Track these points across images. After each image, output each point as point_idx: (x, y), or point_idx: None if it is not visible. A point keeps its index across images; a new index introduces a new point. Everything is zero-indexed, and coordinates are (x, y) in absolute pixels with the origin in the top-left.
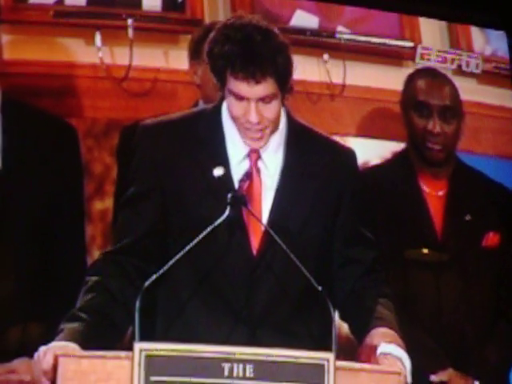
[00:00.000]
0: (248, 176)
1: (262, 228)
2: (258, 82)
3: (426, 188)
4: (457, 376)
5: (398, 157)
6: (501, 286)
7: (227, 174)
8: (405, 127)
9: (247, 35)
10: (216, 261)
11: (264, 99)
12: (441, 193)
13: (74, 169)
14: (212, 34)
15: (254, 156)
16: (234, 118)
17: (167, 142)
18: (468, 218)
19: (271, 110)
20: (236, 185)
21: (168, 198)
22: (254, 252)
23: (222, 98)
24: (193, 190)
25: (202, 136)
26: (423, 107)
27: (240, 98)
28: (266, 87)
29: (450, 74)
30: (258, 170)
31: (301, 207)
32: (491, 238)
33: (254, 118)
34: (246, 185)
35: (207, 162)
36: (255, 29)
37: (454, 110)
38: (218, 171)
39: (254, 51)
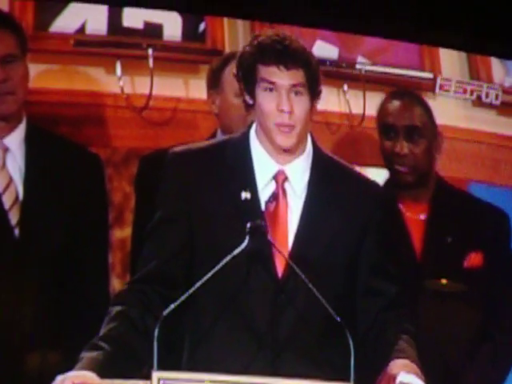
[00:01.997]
0: (274, 198)
1: (288, 252)
2: (288, 68)
3: (406, 212)
4: None
5: (383, 184)
6: (487, 308)
7: (254, 196)
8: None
9: (279, 34)
10: (240, 286)
11: (295, 87)
12: (422, 216)
13: (98, 197)
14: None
15: (281, 177)
16: (266, 115)
17: (195, 169)
18: (449, 240)
19: (301, 104)
20: (263, 207)
21: (195, 223)
22: (279, 277)
23: (250, 125)
24: (219, 215)
25: (230, 162)
26: (390, 129)
27: (271, 86)
28: (296, 75)
29: (469, 105)
30: (285, 192)
31: (326, 233)
32: (473, 259)
33: (285, 105)
34: (272, 206)
35: (234, 187)
36: (285, 33)
37: (422, 130)
38: (244, 194)
39: (285, 44)
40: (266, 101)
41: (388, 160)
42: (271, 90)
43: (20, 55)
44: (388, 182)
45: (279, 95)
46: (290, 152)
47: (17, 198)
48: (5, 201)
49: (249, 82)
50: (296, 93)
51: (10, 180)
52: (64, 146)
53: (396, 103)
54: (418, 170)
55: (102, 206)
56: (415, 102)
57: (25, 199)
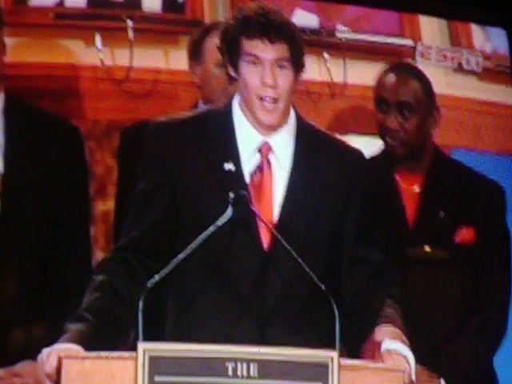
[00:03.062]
0: (259, 169)
1: (273, 223)
2: (272, 42)
3: (402, 184)
4: (422, 372)
5: (380, 153)
6: (476, 283)
7: (237, 168)
8: None
9: (263, 7)
10: (226, 256)
11: (279, 61)
12: (416, 189)
13: (79, 169)
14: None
15: (265, 149)
16: (249, 88)
17: (178, 140)
18: (442, 214)
19: (285, 77)
20: (247, 178)
21: (178, 193)
22: (265, 247)
23: (233, 96)
24: (203, 186)
25: (212, 133)
26: (383, 103)
27: (255, 59)
28: (280, 48)
29: (450, 72)
30: (269, 163)
31: (311, 203)
32: (464, 234)
33: (269, 78)
34: (257, 178)
35: (217, 158)
36: (269, 6)
37: (415, 106)
38: (228, 165)
39: (269, 17)
40: (250, 74)
41: (380, 132)
42: (255, 63)
43: None
44: (383, 151)
45: (263, 69)
46: (275, 126)
47: None
48: None
49: (232, 55)
50: (280, 66)
51: None
52: (43, 118)
53: (392, 77)
54: (408, 145)
55: (83, 178)
56: (413, 76)
57: (5, 172)
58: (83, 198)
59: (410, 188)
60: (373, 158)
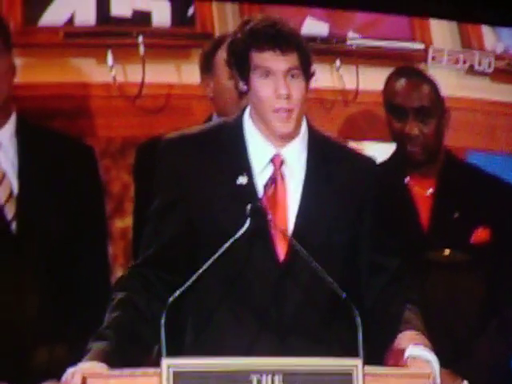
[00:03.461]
0: (273, 181)
1: (289, 235)
2: (283, 53)
3: (414, 187)
4: (446, 374)
5: (390, 158)
6: (495, 283)
7: (250, 181)
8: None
9: (269, 18)
10: (243, 270)
11: (291, 71)
12: (429, 192)
13: (93, 188)
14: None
15: (278, 161)
16: (262, 101)
17: (190, 154)
18: (456, 215)
19: (298, 87)
20: (261, 191)
21: (193, 208)
22: (281, 260)
23: (244, 108)
24: (218, 200)
25: (225, 146)
26: (399, 110)
27: (267, 72)
28: (291, 58)
29: (462, 74)
30: (283, 175)
31: (326, 214)
32: (480, 234)
33: (283, 89)
34: (270, 190)
35: (230, 171)
36: (275, 17)
37: (431, 109)
38: (241, 179)
39: (277, 28)
40: (263, 87)
41: (399, 141)
42: (267, 75)
43: (3, 49)
44: (394, 156)
45: (276, 80)
46: (288, 137)
47: (11, 192)
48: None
49: (242, 68)
50: (292, 76)
51: (4, 175)
52: (56, 138)
53: (403, 82)
54: (428, 149)
55: (97, 197)
56: (422, 80)
57: (20, 193)
58: (99, 217)
59: (423, 192)
60: (384, 163)
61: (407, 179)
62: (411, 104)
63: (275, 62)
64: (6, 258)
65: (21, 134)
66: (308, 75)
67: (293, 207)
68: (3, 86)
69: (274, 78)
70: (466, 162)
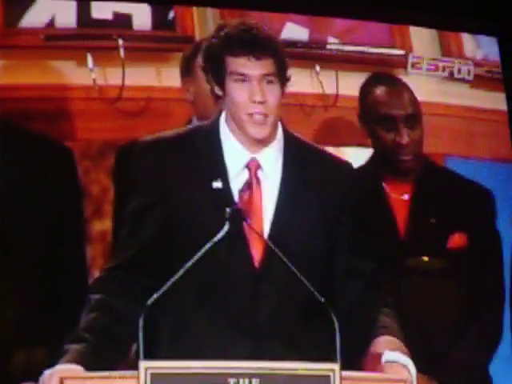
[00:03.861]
0: (248, 186)
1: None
2: (258, 58)
3: (391, 193)
4: (422, 380)
5: (367, 163)
6: (472, 289)
7: (226, 185)
8: (369, 138)
9: (244, 23)
10: (218, 274)
11: (266, 77)
12: (406, 196)
13: (71, 190)
14: (205, 39)
15: (254, 166)
16: (238, 106)
17: (167, 158)
18: (433, 220)
19: (274, 93)
20: (236, 196)
21: (169, 211)
22: (256, 264)
23: (220, 112)
24: (194, 203)
25: (200, 150)
26: (387, 120)
27: (242, 77)
28: (266, 64)
29: (442, 80)
30: (258, 180)
31: (302, 218)
32: (457, 240)
33: (258, 95)
34: (246, 195)
35: (206, 175)
36: (250, 22)
37: (417, 115)
38: (216, 183)
39: (253, 33)
40: (238, 92)
41: (390, 151)
42: (243, 81)
43: None
44: (371, 161)
45: (251, 86)
46: (263, 142)
47: None
48: None
49: (218, 73)
50: (268, 82)
51: None
52: (35, 140)
53: (384, 91)
54: (418, 155)
55: (76, 198)
56: (401, 87)
57: (0, 195)
58: (77, 219)
59: (400, 196)
60: (361, 168)
61: (384, 184)
62: (399, 112)
63: (250, 67)
64: None
65: (1, 135)
66: (284, 80)
67: (269, 212)
68: None
69: (249, 84)
70: (442, 167)
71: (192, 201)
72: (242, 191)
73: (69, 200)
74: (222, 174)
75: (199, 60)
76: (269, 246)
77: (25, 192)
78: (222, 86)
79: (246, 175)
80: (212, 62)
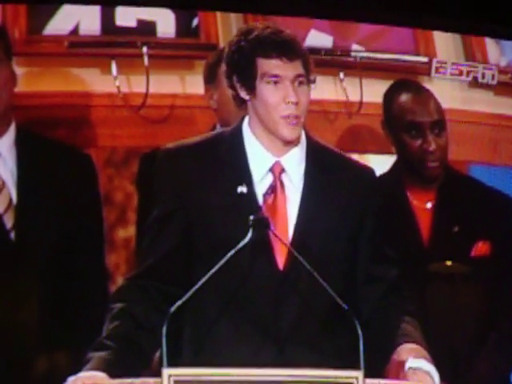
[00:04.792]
0: (272, 190)
1: (289, 243)
2: (290, 60)
3: (414, 201)
4: None
5: (390, 170)
6: (495, 297)
7: (250, 190)
8: (393, 145)
9: (270, 26)
10: (242, 279)
11: (299, 78)
12: (429, 205)
13: (91, 197)
14: (228, 42)
15: (278, 169)
16: (271, 108)
17: (189, 165)
18: (456, 229)
19: (305, 94)
20: (260, 200)
21: (192, 218)
22: (280, 268)
23: (242, 119)
24: (217, 210)
25: (224, 156)
26: (413, 127)
27: (275, 79)
28: (297, 65)
29: (466, 87)
30: (282, 184)
31: (325, 222)
32: (480, 248)
33: (292, 97)
34: (270, 199)
35: (229, 181)
36: (275, 26)
37: (444, 121)
38: (240, 189)
39: (282, 35)
40: (271, 94)
41: (416, 157)
42: (276, 82)
43: (3, 58)
44: (394, 168)
45: (284, 87)
46: (291, 144)
47: (10, 201)
48: None
49: (247, 76)
50: (299, 83)
51: (3, 184)
52: (54, 147)
53: (410, 98)
54: (445, 161)
55: (95, 205)
56: (426, 93)
57: (19, 202)
58: (97, 225)
59: (423, 205)
60: (384, 175)
61: (407, 192)
62: (427, 118)
63: (283, 69)
64: (5, 267)
65: (20, 143)
66: (310, 82)
67: (292, 215)
68: (3, 95)
69: (282, 86)
70: (465, 175)
71: (216, 207)
72: (266, 195)
73: (88, 207)
74: (247, 178)
75: (223, 67)
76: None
77: (44, 199)
78: (251, 88)
79: (270, 179)
80: (241, 65)
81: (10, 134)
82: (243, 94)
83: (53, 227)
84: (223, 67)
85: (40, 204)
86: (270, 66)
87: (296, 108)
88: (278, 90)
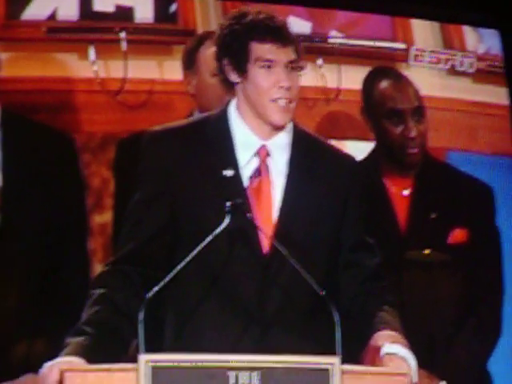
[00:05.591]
0: (258, 173)
1: (272, 227)
2: (284, 45)
3: (391, 188)
4: (423, 375)
5: (367, 157)
6: (472, 283)
7: (236, 173)
8: (373, 132)
9: (260, 11)
10: (226, 263)
11: (291, 64)
12: (406, 192)
13: (74, 180)
14: (220, 25)
15: (263, 152)
16: (262, 92)
17: (175, 148)
18: (433, 215)
19: (296, 80)
20: (246, 182)
21: (177, 201)
22: (264, 253)
23: (229, 102)
24: (202, 193)
25: (210, 139)
26: (395, 114)
27: (269, 64)
28: (290, 51)
29: (444, 74)
30: (267, 167)
31: (309, 208)
32: (458, 235)
33: (285, 81)
34: (255, 182)
35: (215, 165)
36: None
37: (423, 108)
38: (226, 172)
39: (276, 21)
40: (264, 78)
41: (398, 144)
42: (269, 67)
43: None
44: (371, 156)
45: (277, 72)
46: (279, 129)
47: None
48: None
49: (240, 59)
50: (291, 69)
51: None
52: (40, 130)
53: (389, 85)
54: (424, 148)
55: (79, 189)
56: (405, 80)
57: (4, 185)
58: (80, 210)
59: (400, 191)
60: (361, 162)
61: (384, 179)
62: (408, 105)
63: (277, 54)
64: None
65: (5, 125)
66: (301, 68)
67: (276, 199)
68: None
69: (275, 70)
70: (443, 162)
71: (201, 190)
72: (251, 178)
73: (71, 190)
74: (233, 161)
75: (202, 53)
76: (277, 235)
77: (29, 182)
78: (243, 72)
79: (255, 162)
80: (234, 48)
81: None
82: (233, 77)
83: (37, 210)
84: (201, 53)
85: (25, 187)
86: (263, 50)
87: (288, 92)
88: (271, 75)
